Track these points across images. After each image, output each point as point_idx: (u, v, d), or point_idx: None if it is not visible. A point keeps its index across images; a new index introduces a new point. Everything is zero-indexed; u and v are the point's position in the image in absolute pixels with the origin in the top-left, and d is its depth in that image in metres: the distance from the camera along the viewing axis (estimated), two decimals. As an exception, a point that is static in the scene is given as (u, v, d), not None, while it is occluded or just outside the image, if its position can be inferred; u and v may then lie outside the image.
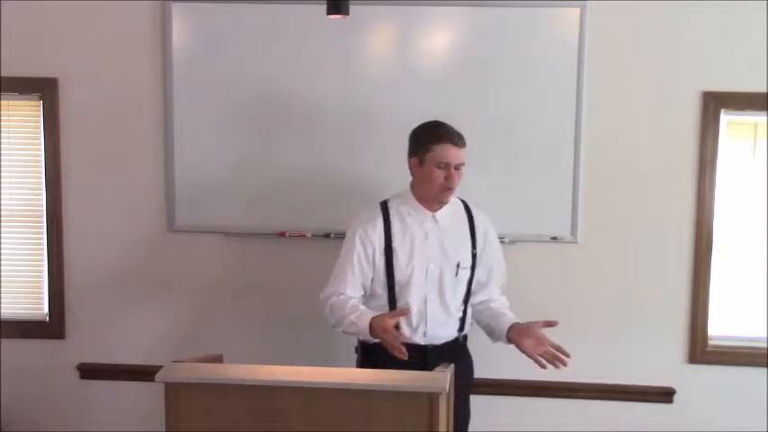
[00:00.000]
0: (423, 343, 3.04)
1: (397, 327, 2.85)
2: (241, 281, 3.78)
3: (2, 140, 3.80)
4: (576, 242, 3.65)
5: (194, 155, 3.71)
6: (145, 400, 3.72)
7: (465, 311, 3.14)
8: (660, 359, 3.70)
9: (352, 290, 3.02)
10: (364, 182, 3.64)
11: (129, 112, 3.75)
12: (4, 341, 3.87)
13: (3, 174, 3.83)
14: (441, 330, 3.07)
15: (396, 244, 3.01)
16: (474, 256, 3.09)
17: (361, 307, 2.97)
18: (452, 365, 2.78)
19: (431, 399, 2.34)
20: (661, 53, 3.57)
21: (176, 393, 2.41)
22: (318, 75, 3.63)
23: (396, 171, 3.66)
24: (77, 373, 3.90)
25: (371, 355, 3.02)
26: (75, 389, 3.90)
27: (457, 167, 2.97)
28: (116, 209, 3.80)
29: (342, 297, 3.00)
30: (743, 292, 3.71)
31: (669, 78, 3.57)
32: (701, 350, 3.68)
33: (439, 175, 2.97)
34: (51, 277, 3.84)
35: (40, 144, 3.79)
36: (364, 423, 2.35)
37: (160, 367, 2.48)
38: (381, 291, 3.04)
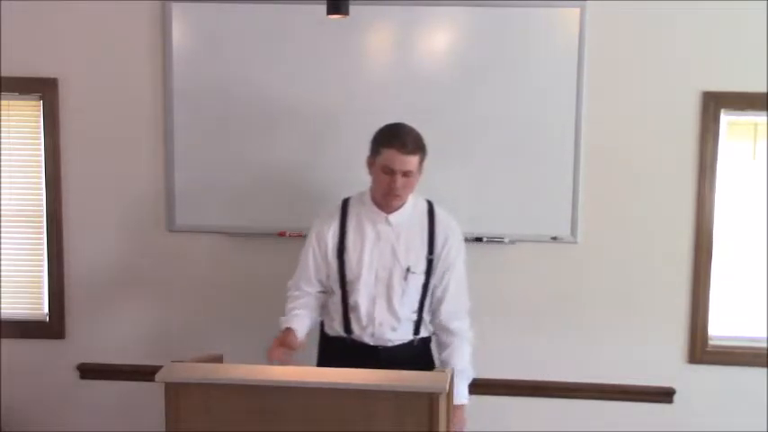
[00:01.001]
0: (372, 343, 3.01)
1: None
2: (241, 281, 3.78)
3: (2, 140, 3.80)
4: (575, 242, 3.65)
5: (194, 155, 3.71)
6: (145, 400, 3.72)
7: (421, 316, 3.06)
8: (660, 359, 3.70)
9: (308, 284, 3.06)
10: (364, 182, 3.63)
11: (129, 112, 3.75)
12: (4, 341, 3.87)
13: (3, 174, 3.83)
14: (390, 333, 3.01)
15: (348, 243, 3.00)
16: (429, 262, 3.01)
17: (295, 311, 3.01)
18: (452, 367, 2.79)
19: (431, 399, 2.34)
20: (661, 53, 3.57)
21: (176, 393, 2.41)
22: (318, 75, 3.63)
23: (396, 171, 3.67)
24: (77, 373, 3.90)
25: (329, 346, 3.11)
26: (75, 389, 3.90)
27: (405, 174, 2.90)
28: (116, 209, 3.80)
29: (296, 293, 3.06)
30: (743, 292, 3.71)
31: (669, 78, 3.58)
32: (701, 350, 3.68)
33: (383, 179, 2.92)
34: (51, 277, 3.84)
35: (40, 144, 3.80)
36: (364, 423, 2.35)
37: (160, 367, 2.47)
38: (336, 288, 3.03)
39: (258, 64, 3.64)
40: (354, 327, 3.01)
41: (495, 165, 3.62)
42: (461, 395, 3.01)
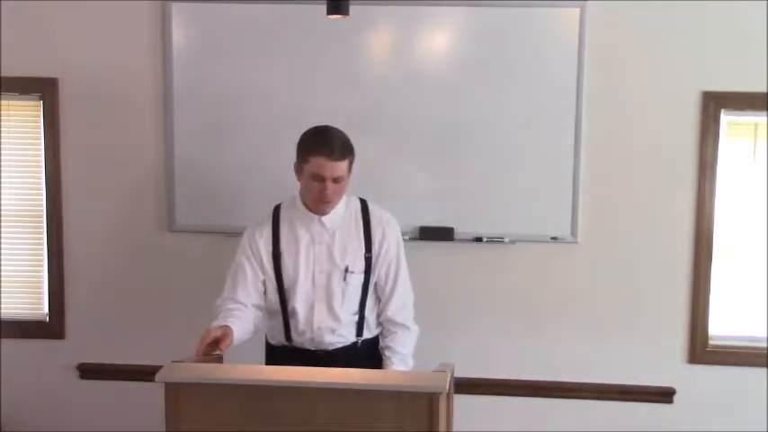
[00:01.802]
0: (311, 348, 2.95)
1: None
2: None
3: (2, 140, 3.80)
4: (576, 242, 3.65)
5: (194, 155, 3.71)
6: (145, 400, 3.72)
7: (363, 316, 2.99)
8: (660, 359, 3.70)
9: (244, 294, 2.94)
10: (364, 182, 3.63)
11: (129, 112, 3.75)
12: (4, 341, 3.87)
13: (3, 174, 3.83)
14: (330, 336, 2.95)
15: (282, 248, 2.94)
16: (368, 260, 2.96)
17: (229, 319, 2.85)
18: (452, 365, 2.78)
19: (431, 399, 2.34)
20: (661, 53, 3.57)
21: (176, 393, 2.41)
22: (318, 74, 3.63)
23: (396, 172, 3.68)
24: (77, 373, 3.90)
25: (273, 355, 3.06)
26: (75, 389, 3.90)
27: (335, 180, 2.84)
28: (116, 209, 3.80)
29: (231, 306, 2.92)
30: (743, 292, 3.71)
31: (669, 78, 3.58)
32: (701, 350, 3.68)
33: (314, 187, 2.86)
34: (51, 277, 3.85)
35: (40, 144, 3.80)
36: (364, 423, 2.35)
37: (160, 367, 2.47)
38: (273, 295, 2.96)
39: (258, 64, 3.64)
40: (293, 333, 2.96)
41: (496, 165, 3.62)
42: None
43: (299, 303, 2.93)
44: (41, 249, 3.86)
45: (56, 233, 3.82)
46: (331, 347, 2.96)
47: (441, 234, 3.63)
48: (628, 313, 3.69)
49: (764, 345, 3.67)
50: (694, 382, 3.69)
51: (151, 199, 3.77)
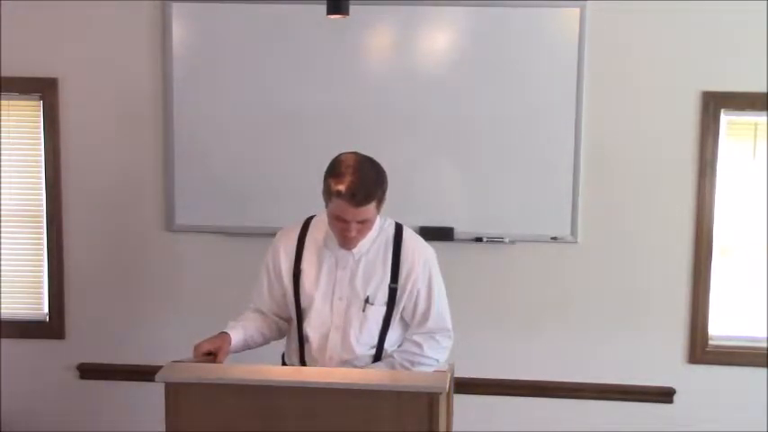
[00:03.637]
0: None
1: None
2: (241, 281, 3.77)
3: (2, 140, 3.80)
4: (576, 242, 3.65)
5: (194, 155, 3.71)
6: (145, 400, 3.72)
7: (381, 351, 2.73)
8: (660, 359, 3.70)
9: (263, 303, 2.82)
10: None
11: (130, 113, 3.75)
12: (4, 341, 3.87)
13: (3, 174, 3.83)
14: (343, 366, 2.71)
15: (304, 266, 2.73)
16: (393, 291, 2.69)
17: (233, 323, 2.77)
18: (452, 364, 2.78)
19: (431, 399, 2.34)
20: (661, 53, 3.57)
21: (176, 393, 2.41)
22: (318, 74, 3.63)
23: (395, 172, 3.67)
24: (77, 373, 3.90)
25: None
26: (75, 389, 3.90)
27: (360, 222, 2.59)
28: (116, 209, 3.80)
29: (247, 312, 2.83)
30: (743, 292, 3.70)
31: (669, 78, 3.57)
32: (701, 350, 3.68)
33: (337, 226, 2.62)
34: (51, 277, 3.85)
35: (40, 144, 3.79)
36: (364, 423, 2.35)
37: (160, 367, 2.48)
38: (293, 314, 2.78)
39: (258, 64, 3.64)
40: (306, 358, 2.76)
41: (496, 165, 3.62)
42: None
43: (312, 329, 2.72)
44: (41, 249, 3.86)
45: (56, 233, 3.81)
46: None
47: (441, 234, 3.63)
48: (628, 313, 3.68)
49: (764, 345, 3.67)
50: (694, 382, 3.69)
51: (151, 199, 3.77)
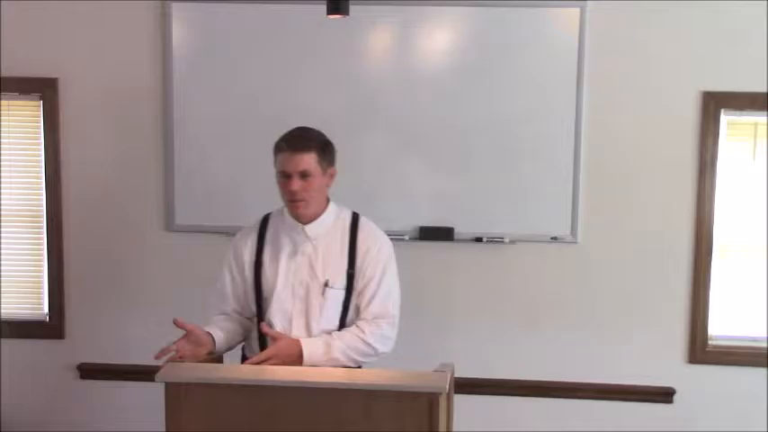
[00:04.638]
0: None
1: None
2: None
3: (2, 140, 3.80)
4: (576, 242, 3.65)
5: (194, 155, 3.71)
6: (145, 400, 3.72)
7: None
8: (660, 359, 3.70)
9: (226, 303, 2.88)
10: (362, 182, 3.64)
11: (130, 113, 3.75)
12: (4, 341, 3.87)
13: (3, 174, 3.83)
14: None
15: (265, 257, 2.82)
16: (350, 277, 2.78)
17: (211, 325, 2.79)
18: (452, 364, 2.78)
19: (431, 399, 2.34)
20: (661, 53, 3.57)
21: (176, 393, 2.41)
22: (318, 74, 3.63)
23: (396, 172, 3.67)
24: (77, 373, 3.90)
25: None
26: (75, 389, 3.90)
27: (301, 175, 2.69)
28: (116, 209, 3.80)
29: (215, 317, 2.85)
30: (743, 292, 3.70)
31: (669, 78, 3.58)
32: (701, 350, 3.68)
33: (283, 185, 2.73)
34: (51, 277, 3.85)
35: (40, 144, 3.80)
36: (364, 423, 2.35)
37: (160, 367, 2.48)
38: (253, 306, 2.85)
39: (258, 64, 3.64)
40: (270, 345, 2.76)
41: (495, 165, 3.62)
42: (312, 344, 2.71)
43: (275, 315, 2.79)
44: (41, 249, 3.86)
45: (56, 233, 3.81)
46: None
47: (441, 234, 3.64)
48: (628, 313, 3.69)
49: (764, 345, 3.67)
50: (694, 382, 3.69)
51: (151, 199, 3.77)
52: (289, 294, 2.79)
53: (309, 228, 2.80)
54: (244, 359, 2.93)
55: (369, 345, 2.76)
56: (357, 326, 2.78)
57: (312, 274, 2.79)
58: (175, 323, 2.66)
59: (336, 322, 2.80)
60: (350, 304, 2.81)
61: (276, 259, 2.81)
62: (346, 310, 2.81)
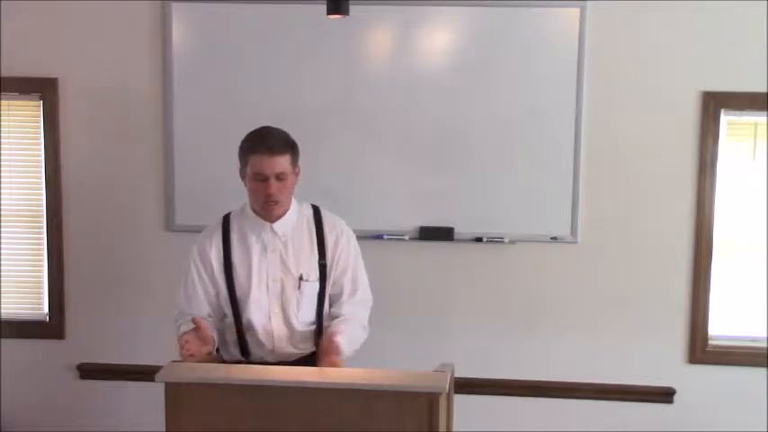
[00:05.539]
0: (272, 361, 2.84)
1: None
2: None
3: (2, 140, 3.80)
4: (576, 242, 3.65)
5: (194, 155, 3.71)
6: (145, 400, 3.72)
7: (320, 326, 2.88)
8: (660, 359, 3.70)
9: (198, 308, 2.87)
10: (362, 181, 3.64)
11: (129, 113, 3.75)
12: (4, 341, 3.87)
13: (3, 174, 3.83)
14: (290, 347, 2.85)
15: (234, 259, 2.83)
16: (323, 267, 2.85)
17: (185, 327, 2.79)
18: (452, 364, 2.78)
19: (431, 399, 2.34)
20: (661, 53, 3.57)
21: (176, 393, 2.41)
22: (318, 74, 3.63)
23: (396, 172, 3.67)
24: (77, 373, 3.90)
25: None
26: (75, 389, 3.90)
27: (278, 177, 2.73)
28: (116, 209, 3.80)
29: (186, 321, 2.81)
30: (743, 292, 3.70)
31: (669, 78, 3.58)
32: (701, 350, 3.68)
33: (258, 188, 2.75)
34: (51, 277, 3.85)
35: (40, 144, 3.79)
36: (364, 423, 2.35)
37: (160, 367, 2.48)
38: (227, 309, 2.86)
39: (258, 64, 3.64)
40: (252, 347, 2.86)
41: (496, 165, 3.62)
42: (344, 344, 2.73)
43: (253, 315, 2.82)
44: (41, 249, 3.86)
45: (56, 233, 3.81)
46: (290, 359, 2.85)
47: (441, 234, 3.64)
48: (628, 313, 3.69)
49: (764, 345, 3.67)
50: (694, 382, 3.69)
51: (150, 199, 3.77)
52: (264, 293, 2.83)
53: (277, 225, 2.84)
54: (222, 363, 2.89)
55: (366, 328, 2.90)
56: (353, 314, 2.86)
57: (285, 270, 2.83)
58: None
59: (313, 314, 2.87)
60: (325, 294, 2.87)
61: (247, 259, 2.84)
62: (322, 301, 2.87)
